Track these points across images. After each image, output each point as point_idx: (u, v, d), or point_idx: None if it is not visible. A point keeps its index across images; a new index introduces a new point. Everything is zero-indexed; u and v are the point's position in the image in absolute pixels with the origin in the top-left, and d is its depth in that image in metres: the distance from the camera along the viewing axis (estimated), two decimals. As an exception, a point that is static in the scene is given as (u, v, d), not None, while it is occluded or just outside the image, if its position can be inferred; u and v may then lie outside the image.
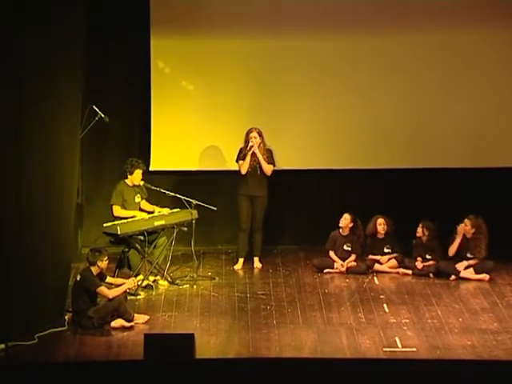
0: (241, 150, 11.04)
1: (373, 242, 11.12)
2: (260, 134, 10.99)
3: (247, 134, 11.01)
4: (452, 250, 10.82)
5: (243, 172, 10.99)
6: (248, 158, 10.97)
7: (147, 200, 10.89)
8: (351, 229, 11.08)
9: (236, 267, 11.18)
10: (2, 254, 8.67)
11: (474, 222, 10.74)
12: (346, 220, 11.05)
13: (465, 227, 10.77)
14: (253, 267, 11.17)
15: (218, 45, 11.43)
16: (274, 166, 11.09)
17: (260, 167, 10.99)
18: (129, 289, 9.74)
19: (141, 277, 10.48)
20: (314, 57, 11.46)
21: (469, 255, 10.81)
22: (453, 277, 10.78)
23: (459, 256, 10.84)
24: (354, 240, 11.09)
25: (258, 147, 10.98)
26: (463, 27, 11.37)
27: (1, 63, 8.59)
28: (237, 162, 11.05)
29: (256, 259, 11.22)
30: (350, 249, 11.10)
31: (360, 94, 11.49)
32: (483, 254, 10.75)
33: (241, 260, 11.21)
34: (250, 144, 10.95)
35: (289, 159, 11.57)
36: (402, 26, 11.36)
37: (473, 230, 10.74)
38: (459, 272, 10.74)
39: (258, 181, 11.03)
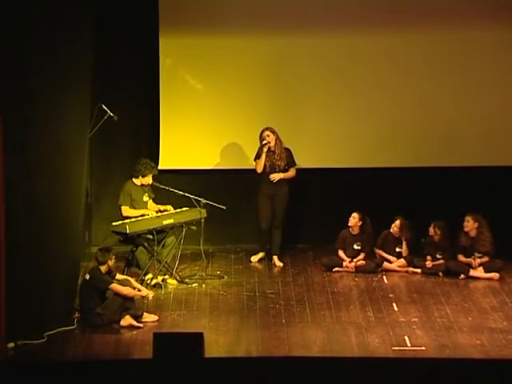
0: (258, 149, 11.08)
1: (390, 240, 11.08)
2: (273, 132, 11.01)
3: (260, 134, 11.02)
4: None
5: (258, 171, 11.03)
6: (263, 157, 10.99)
7: (154, 200, 10.90)
8: (361, 227, 11.07)
9: (252, 259, 11.18)
10: (11, 253, 8.68)
11: (476, 217, 10.74)
12: (354, 219, 11.04)
13: (467, 224, 10.75)
14: (266, 265, 11.15)
15: (227, 43, 11.42)
16: (295, 165, 11.11)
17: (279, 165, 11.00)
18: (142, 297, 9.73)
19: (150, 275, 10.49)
20: (324, 55, 11.44)
21: (477, 254, 10.79)
22: (462, 276, 10.76)
23: (469, 257, 10.82)
24: (364, 239, 11.08)
25: (275, 145, 10.99)
26: (472, 26, 11.32)
27: (10, 62, 8.60)
28: (254, 160, 11.09)
29: (275, 258, 11.20)
30: (359, 248, 11.09)
31: (374, 93, 11.46)
32: (491, 248, 10.73)
33: (260, 254, 11.19)
34: (264, 142, 10.97)
35: (299, 158, 11.56)
36: (415, 26, 11.32)
37: (476, 225, 10.74)
38: (469, 270, 10.72)
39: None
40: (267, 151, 11.01)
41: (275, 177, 11.01)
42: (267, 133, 10.99)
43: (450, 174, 11.56)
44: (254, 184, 11.26)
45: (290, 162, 11.11)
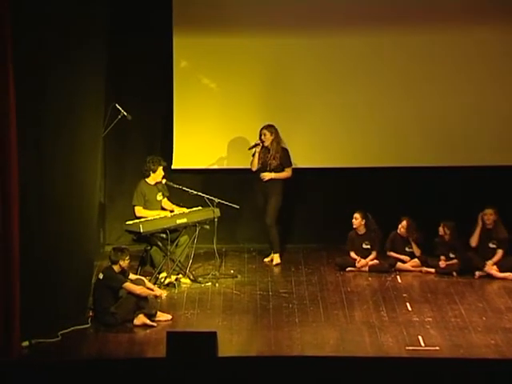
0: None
1: (398, 241, 11.06)
2: (272, 132, 11.01)
3: (259, 132, 11.04)
4: (474, 239, 10.78)
5: (253, 169, 11.07)
6: (256, 155, 11.02)
7: (168, 198, 10.91)
8: (366, 226, 11.04)
9: (265, 260, 11.24)
10: (24, 252, 8.70)
11: (495, 210, 10.74)
12: (356, 220, 11.02)
13: (490, 216, 10.73)
14: (280, 265, 11.16)
15: (241, 43, 11.43)
16: (291, 165, 11.09)
17: (271, 164, 11.01)
18: (155, 296, 9.75)
19: (163, 274, 10.51)
20: (334, 55, 11.44)
21: (491, 245, 10.77)
22: (477, 274, 10.70)
23: (483, 249, 10.75)
24: (372, 237, 11.06)
25: (271, 144, 11.00)
26: (479, 26, 11.28)
27: (24, 63, 8.63)
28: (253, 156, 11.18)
29: (274, 255, 11.18)
30: (368, 247, 11.07)
31: (377, 92, 11.45)
32: (506, 234, 10.72)
33: (272, 254, 11.22)
34: (256, 142, 11.00)
35: (312, 157, 11.56)
36: (419, 25, 11.29)
37: (496, 217, 10.75)
38: (485, 265, 10.66)
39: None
40: (263, 148, 11.02)
41: (265, 176, 11.01)
42: (264, 131, 11.01)
43: (454, 174, 11.49)
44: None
45: (285, 163, 11.06)
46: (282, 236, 11.39)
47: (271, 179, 11.04)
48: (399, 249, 11.08)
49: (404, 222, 10.99)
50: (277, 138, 11.06)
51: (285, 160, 11.08)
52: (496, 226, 10.81)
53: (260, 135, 11.06)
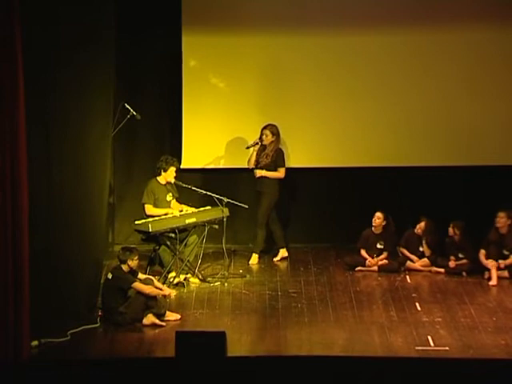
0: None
1: (413, 240, 11.04)
2: (274, 133, 10.99)
3: (261, 130, 11.03)
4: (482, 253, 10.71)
5: (249, 167, 11.08)
6: (253, 154, 11.04)
7: (177, 199, 10.90)
8: (384, 227, 11.03)
9: (274, 259, 11.21)
10: (34, 252, 8.71)
11: (509, 214, 10.59)
12: (378, 219, 11.00)
13: (501, 220, 10.61)
14: (288, 264, 11.13)
15: (250, 42, 11.43)
16: (283, 166, 11.06)
17: (261, 162, 11.03)
18: (164, 296, 9.75)
19: (172, 274, 10.51)
20: (343, 54, 11.43)
21: (505, 252, 10.67)
22: (487, 274, 10.63)
23: (494, 252, 10.66)
24: (387, 238, 11.05)
25: (269, 145, 11.00)
26: (488, 27, 11.25)
27: (33, 62, 8.65)
28: None
29: (254, 255, 11.15)
30: (382, 247, 11.06)
31: (384, 91, 11.43)
32: None
33: (281, 252, 11.18)
34: (255, 140, 10.99)
35: (319, 157, 11.55)
36: (420, 24, 11.27)
37: (510, 222, 10.60)
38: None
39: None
40: (261, 147, 11.04)
41: (256, 173, 11.02)
42: (266, 132, 11.01)
43: (466, 174, 11.48)
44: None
45: (278, 162, 11.03)
46: (291, 236, 11.40)
47: (263, 178, 11.02)
48: (413, 248, 11.06)
49: (422, 224, 10.95)
50: (277, 140, 11.04)
51: (278, 160, 11.06)
52: (510, 231, 10.61)
53: (261, 134, 11.05)
